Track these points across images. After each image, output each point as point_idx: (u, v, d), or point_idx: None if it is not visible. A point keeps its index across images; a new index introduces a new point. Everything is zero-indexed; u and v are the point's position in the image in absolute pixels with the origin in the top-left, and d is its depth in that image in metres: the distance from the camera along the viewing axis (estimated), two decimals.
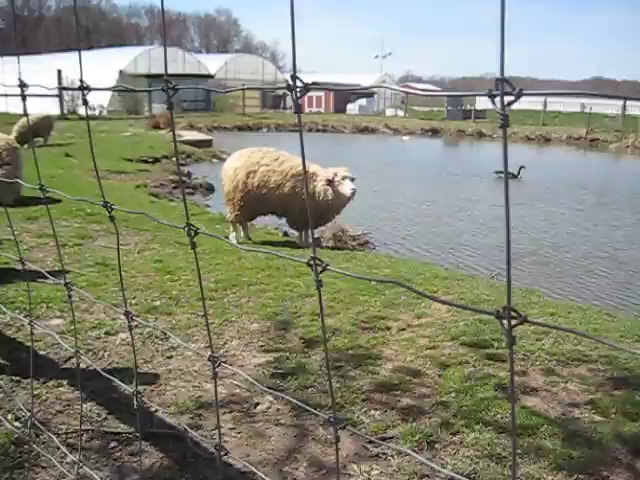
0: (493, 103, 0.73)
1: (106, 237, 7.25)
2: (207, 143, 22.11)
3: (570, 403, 3.61)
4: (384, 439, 3.19)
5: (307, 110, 48.92)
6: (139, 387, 3.61)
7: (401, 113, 47.74)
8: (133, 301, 5.04)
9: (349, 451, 3.09)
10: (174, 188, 13.27)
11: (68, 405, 3.39)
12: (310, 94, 50.58)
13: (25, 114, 1.87)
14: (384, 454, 3.07)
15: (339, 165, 7.90)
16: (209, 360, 1.29)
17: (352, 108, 49.99)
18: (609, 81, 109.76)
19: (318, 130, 36.03)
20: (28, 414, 2.56)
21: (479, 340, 4.41)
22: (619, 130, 33.99)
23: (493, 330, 4.53)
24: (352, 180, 7.70)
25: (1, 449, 2.91)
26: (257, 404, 3.53)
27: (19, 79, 1.67)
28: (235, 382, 3.74)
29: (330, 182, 7.65)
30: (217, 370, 1.37)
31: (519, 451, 3.08)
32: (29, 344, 3.83)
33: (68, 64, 24.76)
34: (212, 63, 49.59)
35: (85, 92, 1.48)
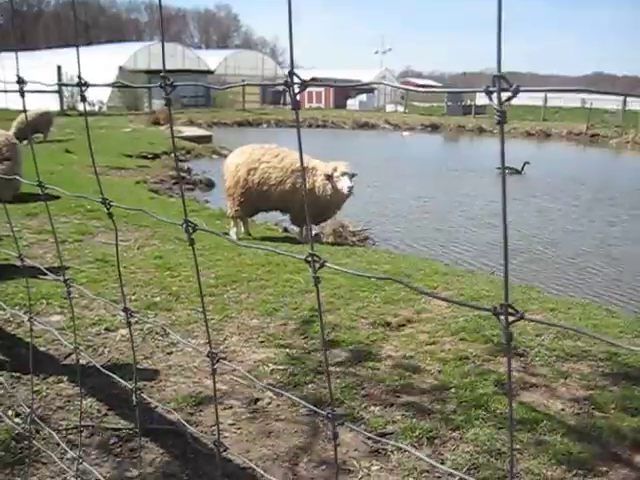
0: (490, 100, 0.73)
1: (106, 233, 7.25)
2: (207, 139, 22.08)
3: (569, 398, 3.61)
4: (384, 435, 3.20)
5: (307, 106, 48.88)
6: (139, 383, 3.62)
7: (401, 109, 47.67)
8: (133, 297, 5.04)
9: (349, 447, 3.10)
10: (174, 184, 13.26)
11: (68, 401, 3.39)
12: (310, 90, 50.55)
13: (24, 110, 1.87)
14: (384, 450, 3.07)
15: (340, 161, 7.91)
16: (208, 356, 1.29)
17: (352, 104, 49.95)
18: (609, 76, 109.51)
19: (318, 126, 35.99)
20: (28, 410, 2.56)
21: (479, 336, 4.42)
22: (619, 125, 33.96)
23: (493, 326, 4.53)
24: (352, 176, 7.71)
25: (1, 445, 2.91)
26: (257, 400, 3.53)
27: (17, 75, 1.66)
28: (235, 378, 3.74)
29: (329, 177, 7.66)
30: (216, 366, 1.37)
31: (518, 446, 3.09)
32: (29, 340, 3.83)
33: (67, 60, 24.69)
34: (212, 59, 49.58)
35: (84, 88, 1.47)
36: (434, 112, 44.53)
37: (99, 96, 34.69)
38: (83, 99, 1.49)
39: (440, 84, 75.49)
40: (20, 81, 1.67)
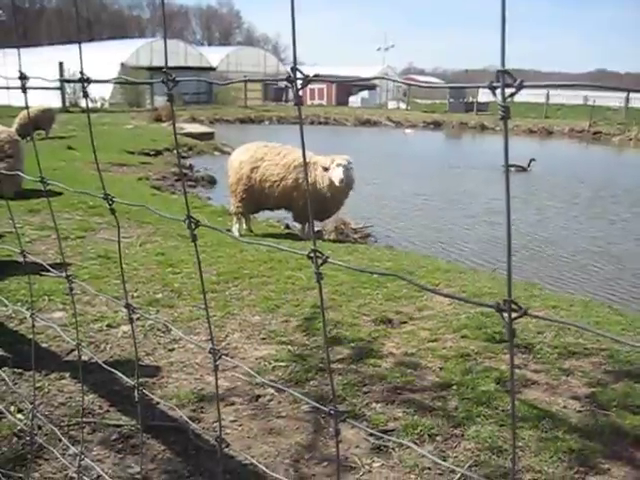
0: (494, 95, 0.73)
1: (108, 230, 7.25)
2: (209, 136, 22.08)
3: (571, 396, 3.61)
4: (385, 432, 3.20)
5: (309, 103, 48.82)
6: (141, 380, 3.62)
7: (403, 106, 47.61)
8: (135, 294, 5.05)
9: (351, 444, 3.10)
10: (176, 181, 13.26)
11: (70, 397, 3.39)
12: (312, 86, 50.49)
13: (26, 107, 1.87)
14: (385, 447, 3.07)
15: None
16: (210, 353, 1.29)
17: (354, 101, 49.90)
18: (612, 74, 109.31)
19: (320, 123, 35.96)
20: (30, 406, 2.56)
21: (481, 333, 4.41)
22: (622, 123, 33.86)
23: (495, 323, 4.52)
24: (349, 168, 7.70)
25: (4, 441, 2.92)
26: (259, 397, 3.53)
27: (19, 71, 1.66)
28: (237, 375, 3.74)
29: (326, 169, 7.70)
30: (218, 363, 1.37)
31: (520, 444, 3.09)
32: (31, 337, 3.84)
33: (70, 56, 24.72)
34: (214, 55, 49.49)
35: (85, 84, 1.47)
36: (436, 109, 44.45)
37: (101, 93, 34.68)
38: (85, 95, 1.49)
39: (442, 81, 75.37)
40: (22, 77, 1.67)
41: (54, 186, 1.97)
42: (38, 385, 3.47)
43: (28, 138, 12.16)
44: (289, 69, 0.95)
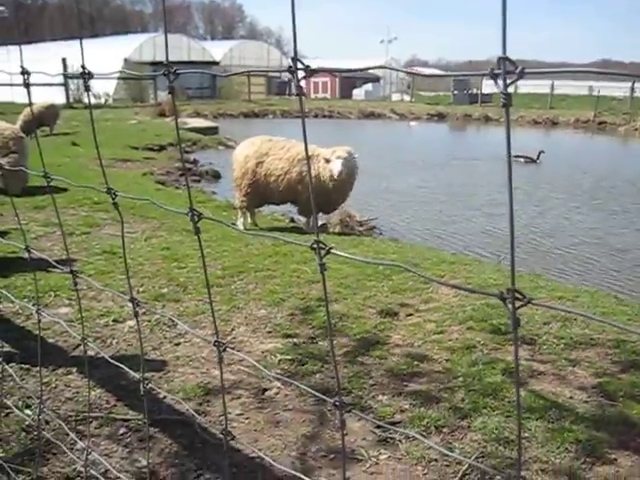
0: (496, 82, 0.72)
1: (113, 225, 7.26)
2: (213, 130, 22.07)
3: (578, 386, 3.61)
4: (392, 424, 3.20)
5: (313, 96, 48.75)
6: (147, 374, 3.63)
7: (407, 98, 47.48)
8: (141, 289, 5.06)
9: (357, 436, 3.10)
10: (180, 176, 13.26)
11: (77, 392, 3.41)
12: (315, 80, 50.40)
13: (29, 102, 1.87)
14: (392, 439, 3.08)
15: None
16: (214, 345, 1.29)
17: (358, 93, 49.79)
18: (617, 63, 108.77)
19: (324, 116, 35.92)
20: (38, 402, 2.57)
21: (487, 324, 4.41)
22: (627, 113, 33.69)
23: (500, 314, 4.52)
24: (349, 160, 7.68)
25: (12, 436, 2.93)
26: (265, 390, 3.54)
27: (21, 67, 1.66)
28: (243, 368, 3.75)
29: (328, 161, 7.69)
30: (223, 355, 1.38)
31: (527, 435, 3.08)
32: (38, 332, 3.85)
33: (73, 52, 24.66)
34: (217, 50, 49.47)
35: (87, 79, 1.47)
36: (440, 101, 44.32)
37: (105, 88, 34.67)
38: (87, 89, 1.49)
39: (446, 73, 74.93)
40: (24, 72, 1.67)
41: (59, 182, 1.98)
42: (45, 380, 3.48)
43: (32, 135, 12.17)
44: (290, 59, 0.95)
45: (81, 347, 3.87)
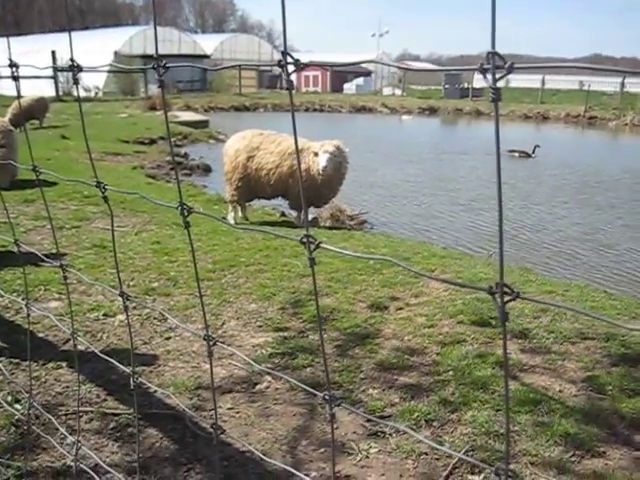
0: (485, 77, 0.72)
1: (103, 219, 7.23)
2: (204, 124, 22.01)
3: (568, 380, 3.63)
4: (383, 417, 3.21)
5: (304, 90, 48.67)
6: (138, 368, 3.63)
7: (399, 92, 47.47)
8: (131, 283, 5.04)
9: (348, 429, 3.11)
10: (171, 169, 13.21)
11: (67, 387, 3.40)
12: (306, 73, 50.32)
13: (18, 95, 1.85)
14: (382, 432, 3.09)
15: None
16: (204, 339, 1.29)
17: (349, 87, 49.74)
18: (608, 58, 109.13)
19: (315, 110, 35.88)
20: (27, 396, 2.56)
21: (477, 318, 4.43)
22: (617, 108, 33.83)
23: (491, 308, 4.53)
24: (336, 155, 7.65)
25: (2, 431, 2.92)
26: (256, 384, 3.54)
27: (9, 59, 1.65)
28: (234, 362, 3.75)
29: (316, 155, 7.68)
30: (213, 349, 1.37)
31: (517, 428, 3.10)
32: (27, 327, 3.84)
33: (63, 45, 24.55)
34: (208, 43, 49.33)
35: (76, 72, 1.46)
36: (432, 95, 44.34)
37: (95, 81, 34.46)
38: (76, 82, 1.48)
39: (438, 67, 75.07)
40: (12, 65, 1.65)
41: (48, 176, 1.96)
42: (35, 375, 3.47)
43: (21, 128, 12.09)
44: (280, 53, 0.95)
45: (71, 341, 3.86)
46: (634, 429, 3.12)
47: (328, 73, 49.99)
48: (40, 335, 4.01)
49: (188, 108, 28.86)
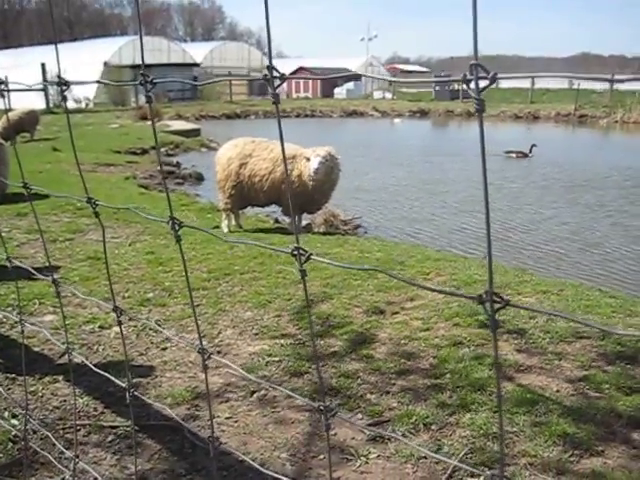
0: (468, 88, 0.73)
1: (97, 231, 7.22)
2: (195, 132, 22.00)
3: (565, 379, 3.63)
4: (381, 422, 3.21)
5: (294, 95, 48.72)
6: (135, 380, 3.62)
7: (389, 95, 47.56)
8: (126, 294, 5.03)
9: (346, 435, 3.11)
10: (163, 179, 13.20)
11: (64, 401, 3.39)
12: (296, 80, 50.35)
13: (7, 110, 1.85)
14: (381, 437, 3.08)
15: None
16: (199, 352, 1.29)
17: (340, 92, 49.81)
18: (596, 57, 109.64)
19: (306, 115, 35.89)
20: (24, 411, 2.55)
21: (473, 321, 4.43)
22: (607, 106, 33.96)
23: None
24: (327, 159, 7.65)
25: None
26: (254, 392, 3.54)
27: None
28: (231, 371, 3.75)
29: (308, 160, 7.69)
30: (209, 362, 1.37)
31: (515, 429, 3.10)
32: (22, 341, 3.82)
33: (52, 57, 24.47)
34: (197, 51, 49.36)
35: (64, 87, 1.46)
36: (422, 98, 44.40)
37: (85, 92, 34.42)
38: (64, 98, 1.48)
39: (427, 69, 75.32)
40: (0, 82, 1.65)
41: (38, 190, 1.96)
42: (31, 389, 3.46)
43: (12, 141, 12.07)
44: (266, 67, 0.95)
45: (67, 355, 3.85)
46: (631, 427, 3.13)
47: None
48: (36, 349, 3.99)
49: (179, 117, 28.85)
